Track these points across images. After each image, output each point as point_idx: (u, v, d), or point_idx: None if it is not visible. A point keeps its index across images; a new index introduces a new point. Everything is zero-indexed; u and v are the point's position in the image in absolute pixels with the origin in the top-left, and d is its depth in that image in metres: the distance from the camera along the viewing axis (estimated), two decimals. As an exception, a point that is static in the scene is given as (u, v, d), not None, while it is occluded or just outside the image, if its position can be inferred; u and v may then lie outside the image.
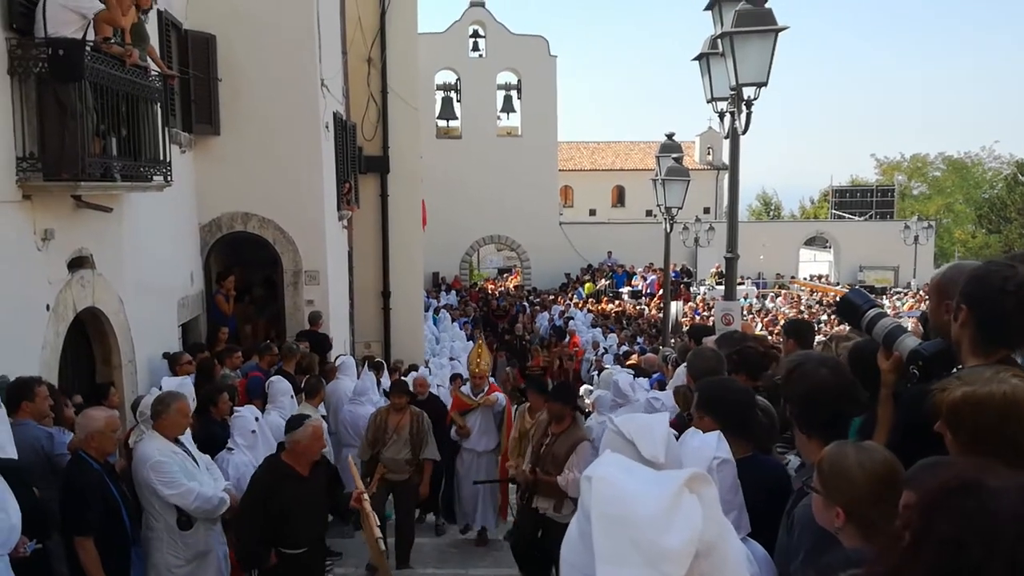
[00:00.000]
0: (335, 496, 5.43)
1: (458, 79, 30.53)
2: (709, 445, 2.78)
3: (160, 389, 5.75)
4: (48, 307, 6.10)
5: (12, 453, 3.90)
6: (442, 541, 8.84)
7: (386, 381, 11.94)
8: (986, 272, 2.32)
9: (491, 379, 9.09)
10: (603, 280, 29.80)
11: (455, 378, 11.33)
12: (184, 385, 6.03)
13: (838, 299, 2.98)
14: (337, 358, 10.38)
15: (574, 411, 6.48)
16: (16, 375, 5.09)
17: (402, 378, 8.98)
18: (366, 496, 5.36)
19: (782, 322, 22.94)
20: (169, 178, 7.70)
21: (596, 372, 15.57)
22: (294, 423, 5.08)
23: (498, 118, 31.35)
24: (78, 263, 6.63)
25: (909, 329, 2.78)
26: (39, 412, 4.92)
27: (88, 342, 7.25)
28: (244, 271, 11.51)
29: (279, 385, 7.69)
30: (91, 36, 6.09)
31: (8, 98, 5.66)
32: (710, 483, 1.33)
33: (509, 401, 8.76)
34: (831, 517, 2.15)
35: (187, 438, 5.26)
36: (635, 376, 8.63)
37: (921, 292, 27.38)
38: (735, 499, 2.74)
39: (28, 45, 5.74)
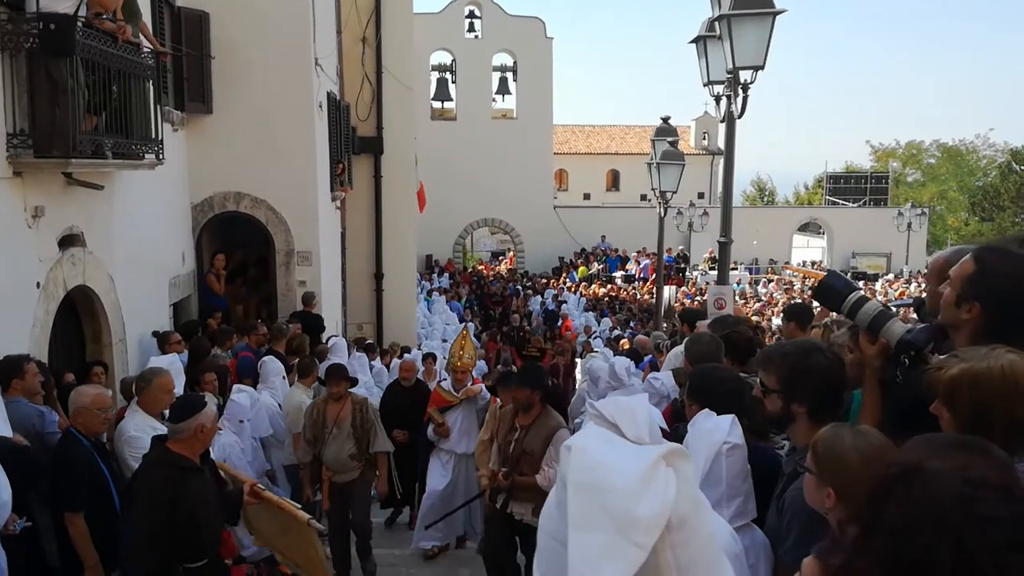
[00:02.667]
0: (222, 492, 4.37)
1: (453, 60, 30.41)
2: (721, 429, 2.76)
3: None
4: (38, 285, 6.06)
5: (6, 431, 3.89)
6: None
7: (378, 363, 11.95)
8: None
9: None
10: (596, 264, 29.82)
11: (427, 358, 10.56)
12: (173, 363, 6.02)
13: (816, 283, 2.87)
14: (329, 339, 10.37)
15: (543, 397, 5.46)
16: (5, 353, 5.07)
17: (338, 363, 7.55)
18: (260, 486, 4.41)
19: (774, 307, 23.02)
20: (161, 156, 7.64)
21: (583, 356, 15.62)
22: (189, 406, 4.11)
23: (493, 100, 31.28)
24: (69, 241, 6.59)
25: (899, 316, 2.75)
26: (29, 389, 4.91)
27: (79, 320, 7.22)
28: (239, 252, 11.48)
29: (271, 365, 7.68)
30: (83, 13, 6.01)
31: (-2, 73, 5.60)
32: (688, 459, 1.34)
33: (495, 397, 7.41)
34: (822, 498, 2.16)
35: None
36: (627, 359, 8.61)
37: (911, 278, 27.48)
38: (743, 485, 2.73)
39: (19, 20, 5.66)
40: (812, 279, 29.45)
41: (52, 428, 4.89)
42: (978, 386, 1.94)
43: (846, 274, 30.15)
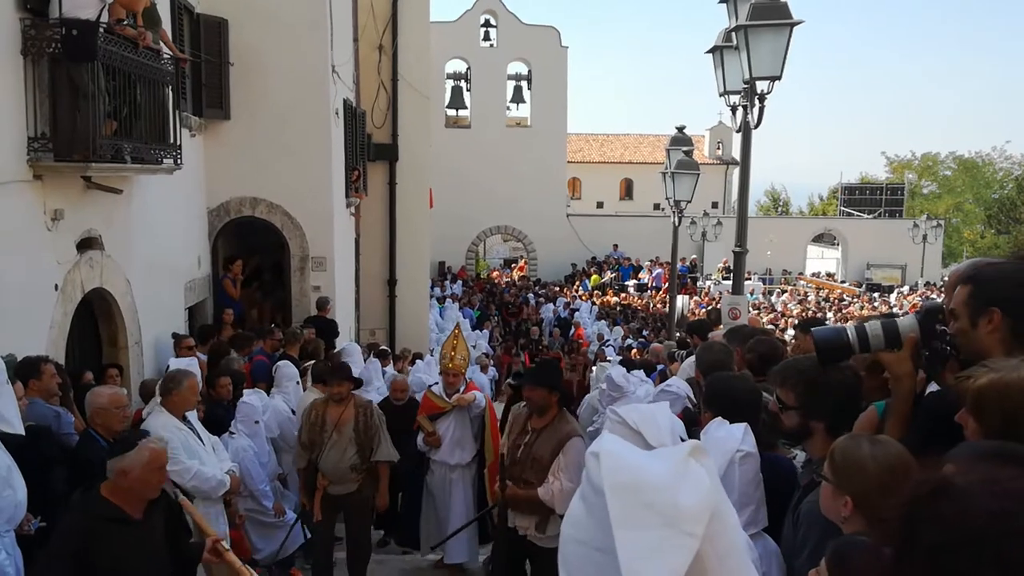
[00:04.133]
0: (179, 546, 3.73)
1: (468, 68, 30.48)
2: (734, 437, 2.76)
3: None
4: (56, 287, 6.12)
5: (19, 429, 3.93)
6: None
7: (391, 369, 11.97)
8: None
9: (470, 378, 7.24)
10: (609, 273, 29.79)
11: (382, 354, 10.32)
12: (191, 366, 6.06)
13: (816, 349, 2.61)
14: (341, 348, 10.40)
15: (560, 400, 5.04)
16: (24, 354, 5.12)
17: (343, 361, 7.22)
18: (224, 545, 3.77)
19: (788, 318, 22.92)
20: (179, 161, 7.70)
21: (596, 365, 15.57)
22: (124, 444, 3.54)
23: (508, 108, 31.32)
24: (87, 244, 6.65)
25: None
26: (46, 390, 4.95)
27: (95, 323, 7.27)
28: (255, 257, 11.54)
29: (285, 370, 7.70)
30: (104, 18, 6.08)
31: (21, 78, 5.67)
32: (708, 455, 1.35)
33: (491, 402, 6.97)
34: (839, 507, 2.16)
35: (194, 417, 5.29)
36: (638, 369, 8.56)
37: (927, 290, 27.29)
38: (755, 493, 2.73)
39: (42, 26, 5.74)
40: (827, 290, 29.32)
41: (68, 429, 4.93)
42: (1008, 396, 1.92)
43: (860, 286, 29.79)
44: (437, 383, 6.83)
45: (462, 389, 6.51)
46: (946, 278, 2.99)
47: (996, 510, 1.16)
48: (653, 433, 1.35)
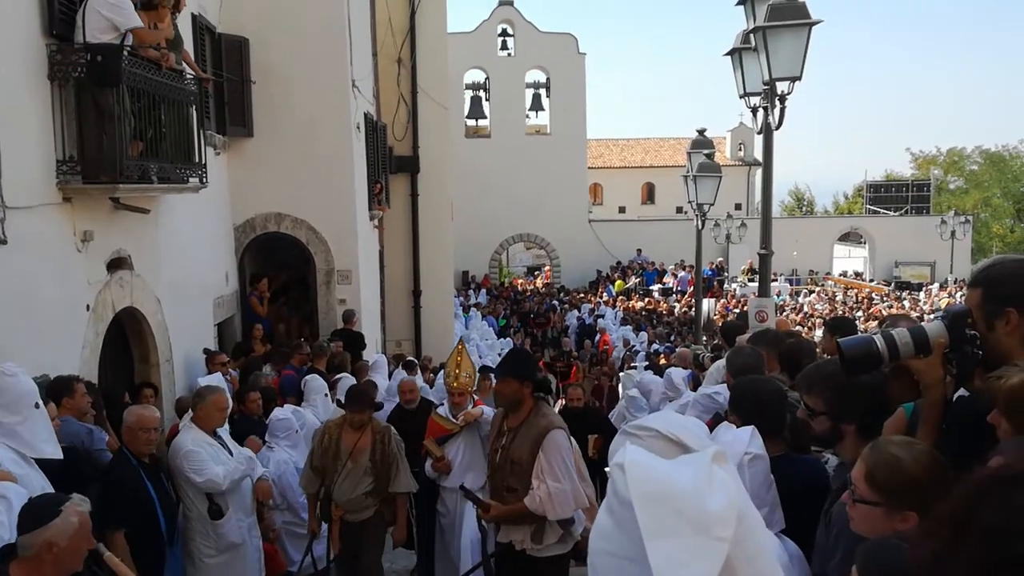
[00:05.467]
0: None
1: (487, 78, 30.62)
2: (741, 440, 2.77)
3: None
4: (88, 307, 6.21)
5: (58, 454, 3.98)
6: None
7: (419, 380, 11.99)
8: None
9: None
10: (633, 278, 29.70)
11: (408, 365, 10.07)
12: (219, 382, 6.13)
13: (844, 360, 2.48)
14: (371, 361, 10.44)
15: (533, 390, 4.43)
16: (56, 374, 5.20)
17: (367, 380, 6.87)
18: None
19: (815, 319, 22.70)
20: (204, 180, 7.80)
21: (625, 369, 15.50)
22: (43, 510, 2.93)
23: (527, 116, 31.43)
24: (117, 264, 6.74)
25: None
26: (79, 409, 5.02)
27: (127, 341, 7.37)
28: (282, 273, 11.65)
29: (314, 383, 7.76)
30: (128, 41, 6.18)
31: (48, 102, 5.78)
32: (728, 460, 1.36)
33: None
34: (894, 524, 2.06)
35: (225, 433, 5.34)
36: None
37: (957, 286, 26.91)
38: (767, 495, 2.72)
39: (68, 51, 5.84)
40: (855, 289, 29.00)
41: (100, 445, 5.00)
42: None
43: (888, 284, 29.36)
44: (442, 404, 6.32)
45: (470, 406, 5.99)
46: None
47: None
48: (692, 439, 1.38)
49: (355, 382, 7.85)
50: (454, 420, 5.87)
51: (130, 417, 4.71)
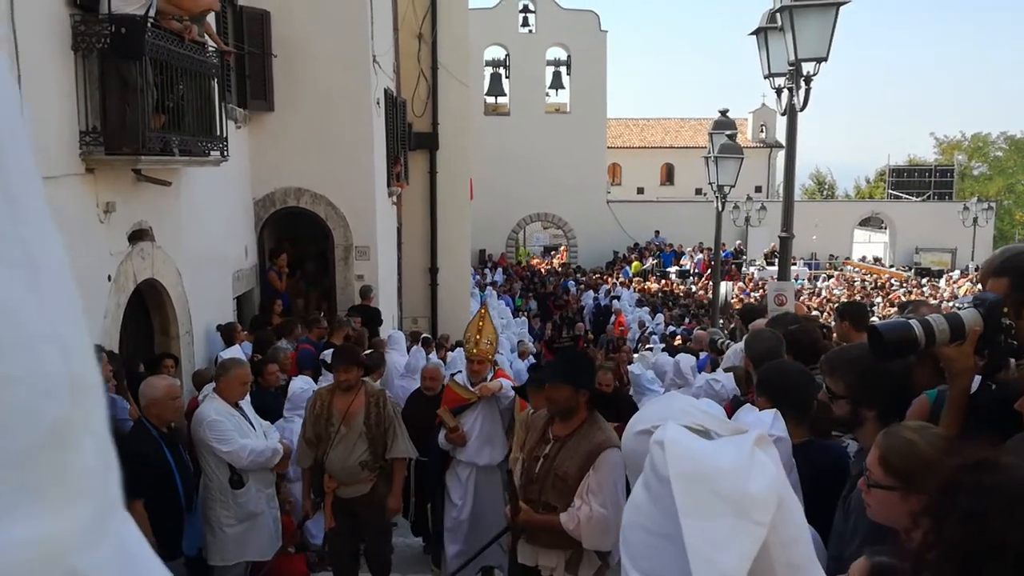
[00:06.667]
0: None
1: (507, 55, 30.41)
2: (763, 423, 2.75)
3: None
4: (110, 278, 6.27)
5: None
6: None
7: (434, 357, 12.03)
8: None
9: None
10: (651, 259, 29.59)
11: (426, 342, 10.08)
12: (240, 354, 6.18)
13: (881, 343, 2.42)
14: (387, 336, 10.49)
15: (590, 400, 3.93)
16: (80, 344, 5.25)
17: (351, 343, 6.51)
18: None
19: (832, 304, 22.57)
20: (225, 153, 7.82)
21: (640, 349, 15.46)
22: None
23: (547, 94, 31.22)
24: (138, 235, 6.79)
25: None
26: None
27: (147, 313, 7.44)
28: (298, 246, 11.69)
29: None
30: (152, 12, 6.19)
31: (72, 73, 5.80)
32: (771, 444, 1.36)
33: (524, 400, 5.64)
34: (909, 509, 2.08)
35: (247, 404, 5.40)
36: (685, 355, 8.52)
37: (976, 274, 26.61)
38: (787, 479, 2.72)
39: (92, 22, 5.85)
40: (875, 275, 28.75)
41: (123, 415, 5.06)
42: None
43: (908, 270, 29.08)
44: (460, 372, 5.98)
45: (489, 377, 5.64)
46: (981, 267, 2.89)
47: None
48: (717, 424, 1.38)
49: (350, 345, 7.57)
50: (472, 389, 5.56)
51: (155, 389, 4.74)
